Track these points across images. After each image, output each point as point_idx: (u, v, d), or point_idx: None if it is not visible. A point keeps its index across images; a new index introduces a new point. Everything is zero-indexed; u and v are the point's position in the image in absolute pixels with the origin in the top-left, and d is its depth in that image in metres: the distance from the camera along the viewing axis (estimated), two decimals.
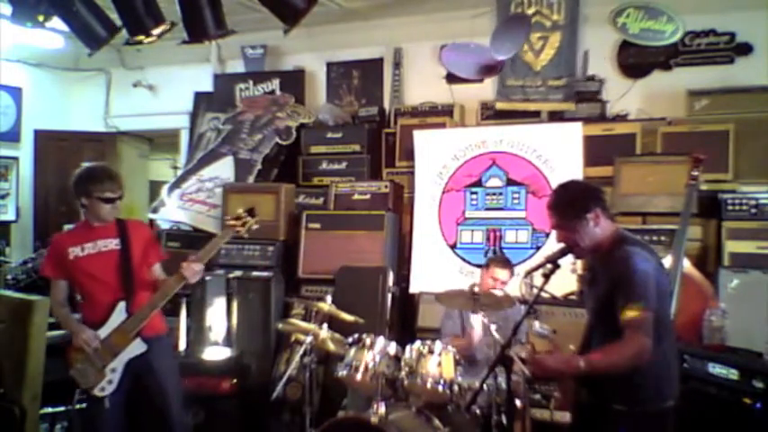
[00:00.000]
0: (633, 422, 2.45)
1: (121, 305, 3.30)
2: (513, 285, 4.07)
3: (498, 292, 3.79)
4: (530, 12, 5.25)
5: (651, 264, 2.48)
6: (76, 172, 3.38)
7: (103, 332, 3.27)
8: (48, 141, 7.11)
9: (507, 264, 4.11)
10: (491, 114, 5.52)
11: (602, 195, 2.63)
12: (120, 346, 3.27)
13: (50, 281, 3.44)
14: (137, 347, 3.28)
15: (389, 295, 4.80)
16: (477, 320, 3.83)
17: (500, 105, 5.39)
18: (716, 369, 3.20)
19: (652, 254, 2.56)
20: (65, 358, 3.31)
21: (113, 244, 3.36)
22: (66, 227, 6.56)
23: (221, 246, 3.85)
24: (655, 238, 4.24)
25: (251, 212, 3.45)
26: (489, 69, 5.46)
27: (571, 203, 2.59)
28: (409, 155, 5.45)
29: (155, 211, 6.12)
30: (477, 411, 3.30)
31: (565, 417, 3.72)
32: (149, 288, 3.40)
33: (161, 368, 3.35)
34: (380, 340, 3.44)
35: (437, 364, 3.29)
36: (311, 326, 3.82)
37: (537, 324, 3.35)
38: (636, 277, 2.39)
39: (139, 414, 3.39)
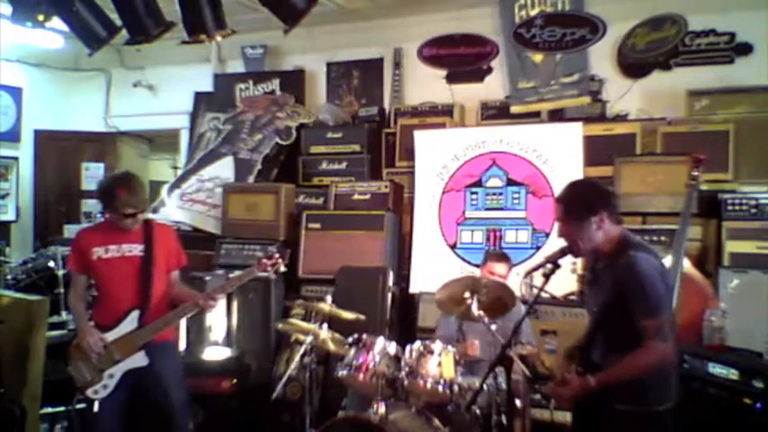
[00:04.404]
0: (634, 422, 2.44)
1: (135, 314, 3.28)
2: (513, 285, 4.06)
3: (497, 278, 3.76)
4: (534, 12, 5.22)
5: (656, 267, 2.48)
6: (100, 182, 3.40)
7: (111, 336, 3.25)
8: (48, 141, 7.13)
9: (504, 257, 4.08)
10: (491, 114, 5.52)
11: (612, 199, 2.59)
12: (124, 354, 3.25)
13: (72, 274, 3.46)
14: (139, 360, 3.26)
15: (389, 295, 4.80)
16: (474, 329, 3.79)
17: (515, 109, 5.35)
18: (716, 369, 3.20)
19: (654, 256, 2.55)
20: (65, 355, 3.30)
21: (138, 250, 3.35)
22: (67, 227, 6.62)
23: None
24: (655, 238, 4.24)
25: (282, 255, 3.51)
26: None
27: (578, 202, 2.57)
28: (409, 155, 5.45)
29: (155, 211, 6.09)
30: (477, 411, 3.30)
31: (565, 417, 3.72)
32: (165, 298, 3.40)
33: (164, 373, 3.33)
34: (380, 340, 3.44)
35: (437, 364, 3.28)
36: (311, 326, 3.81)
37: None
38: (647, 285, 2.40)
39: (141, 418, 3.37)
